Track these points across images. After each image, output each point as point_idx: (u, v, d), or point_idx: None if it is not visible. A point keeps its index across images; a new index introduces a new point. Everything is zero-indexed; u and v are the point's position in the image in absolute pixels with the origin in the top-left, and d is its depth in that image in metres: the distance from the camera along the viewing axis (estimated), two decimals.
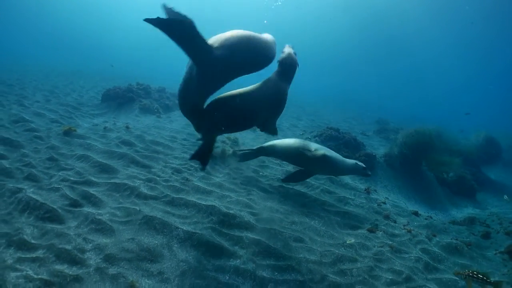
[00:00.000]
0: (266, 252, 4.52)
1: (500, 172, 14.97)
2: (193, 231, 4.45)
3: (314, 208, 6.47)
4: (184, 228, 4.45)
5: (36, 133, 7.56)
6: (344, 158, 6.63)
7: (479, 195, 11.35)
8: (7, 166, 5.52)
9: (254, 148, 7.08)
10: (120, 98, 12.31)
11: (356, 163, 6.60)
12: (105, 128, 8.89)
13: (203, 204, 5.25)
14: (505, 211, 10.46)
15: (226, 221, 4.97)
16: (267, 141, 7.34)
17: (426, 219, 8.13)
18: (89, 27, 67.26)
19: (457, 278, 5.30)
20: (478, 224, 8.32)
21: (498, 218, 9.27)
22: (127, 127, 9.10)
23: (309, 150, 6.19)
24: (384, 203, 8.33)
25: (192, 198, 5.46)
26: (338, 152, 10.48)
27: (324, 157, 6.19)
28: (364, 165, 6.60)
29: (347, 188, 8.37)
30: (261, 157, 8.50)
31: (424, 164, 11.11)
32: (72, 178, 5.40)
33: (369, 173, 6.71)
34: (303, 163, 6.47)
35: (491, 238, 7.49)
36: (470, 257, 6.36)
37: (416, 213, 8.21)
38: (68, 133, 7.81)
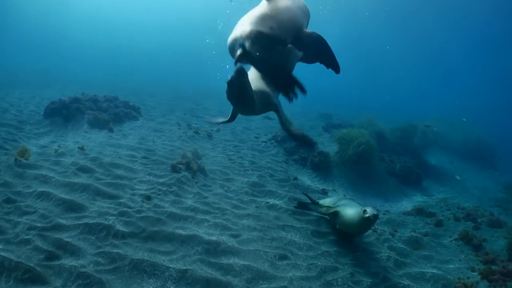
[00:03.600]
0: (258, 276, 4.62)
1: (439, 156, 16.17)
2: (184, 268, 4.41)
3: (287, 219, 6.65)
4: (175, 267, 4.40)
5: None
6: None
7: (424, 182, 12.25)
8: None
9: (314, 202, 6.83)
10: (66, 110, 11.51)
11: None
12: (56, 151, 8.34)
13: (184, 235, 5.20)
14: (450, 196, 11.44)
15: (212, 250, 4.97)
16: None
17: (384, 214, 8.69)
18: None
19: (423, 270, 5.79)
20: (429, 213, 9.01)
21: (445, 204, 10.13)
22: (81, 148, 8.64)
23: (370, 220, 5.97)
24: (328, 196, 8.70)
25: (171, 228, 5.38)
26: (294, 154, 10.86)
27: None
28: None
29: (309, 191, 8.65)
30: (226, 169, 8.54)
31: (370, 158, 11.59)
32: (39, 224, 5.06)
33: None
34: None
35: (444, 226, 8.20)
36: (430, 247, 6.95)
37: None
38: (19, 163, 7.26)
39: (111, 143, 9.34)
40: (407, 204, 10.39)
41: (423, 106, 31.76)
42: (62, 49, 44.56)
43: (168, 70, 38.71)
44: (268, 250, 5.30)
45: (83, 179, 6.94)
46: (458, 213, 8.96)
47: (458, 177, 13.77)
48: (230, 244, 5.18)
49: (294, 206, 7.16)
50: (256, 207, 6.92)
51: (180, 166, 7.75)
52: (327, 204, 6.80)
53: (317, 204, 7.11)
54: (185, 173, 7.57)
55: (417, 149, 14.70)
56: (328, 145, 12.44)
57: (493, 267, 5.96)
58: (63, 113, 11.51)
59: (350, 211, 6.11)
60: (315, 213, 6.95)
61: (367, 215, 5.70)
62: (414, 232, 7.51)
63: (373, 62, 52.46)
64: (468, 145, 17.29)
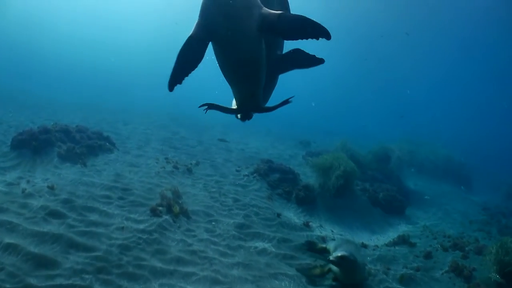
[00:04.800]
0: None
1: (416, 180, 16.28)
2: None
3: (278, 265, 6.25)
4: None
5: None
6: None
7: (407, 209, 12.15)
8: None
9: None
10: (35, 142, 10.76)
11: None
12: (23, 192, 7.66)
13: None
14: (434, 223, 11.49)
15: None
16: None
17: (374, 249, 8.44)
18: None
19: None
20: (415, 244, 8.94)
21: (431, 232, 10.08)
22: (50, 188, 7.97)
23: (337, 263, 5.67)
24: (334, 240, 8.47)
25: (155, 286, 4.86)
26: (277, 188, 10.51)
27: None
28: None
29: (297, 230, 8.30)
30: (210, 210, 8.05)
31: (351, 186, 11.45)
32: (7, 286, 4.45)
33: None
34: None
35: (433, 257, 8.15)
36: (424, 283, 6.84)
37: (364, 246, 8.49)
38: None
39: (84, 181, 8.70)
40: (393, 235, 10.19)
41: (395, 129, 32.36)
42: (35, 68, 42.80)
43: (141, 91, 37.80)
44: None
45: (54, 226, 6.33)
46: (445, 242, 9.00)
47: (427, 197, 13.95)
48: None
49: (305, 249, 7.11)
50: (245, 253, 6.48)
51: (160, 208, 7.23)
52: (331, 249, 6.67)
53: (324, 249, 7.01)
54: (166, 217, 7.05)
55: (395, 174, 14.80)
56: (310, 176, 12.17)
57: None
58: (33, 145, 10.76)
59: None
60: (312, 257, 6.79)
61: (331, 258, 5.64)
62: (406, 268, 7.40)
63: (346, 86, 53.65)
64: (439, 165, 17.58)
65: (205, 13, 3.36)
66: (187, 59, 3.37)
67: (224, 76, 4.00)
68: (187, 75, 3.41)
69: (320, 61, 4.11)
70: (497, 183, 18.84)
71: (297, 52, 4.21)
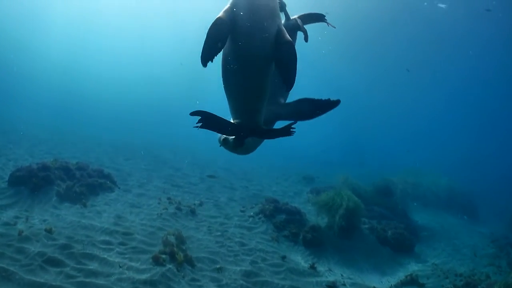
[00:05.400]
0: None
1: (421, 213, 15.93)
2: None
3: None
4: None
5: None
6: None
7: (416, 246, 11.79)
8: None
9: None
10: (35, 178, 10.45)
11: None
12: (20, 234, 7.32)
13: None
14: (444, 260, 11.14)
15: None
16: None
17: None
18: None
19: None
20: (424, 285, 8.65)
21: (442, 271, 9.79)
22: (48, 231, 7.63)
23: None
24: (345, 285, 8.15)
25: None
26: (283, 230, 10.21)
27: None
28: None
29: (306, 275, 7.92)
30: (216, 257, 7.67)
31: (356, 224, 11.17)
32: None
33: None
34: None
35: None
36: None
37: None
38: None
39: (83, 224, 8.36)
40: (403, 276, 9.83)
41: (398, 160, 32.22)
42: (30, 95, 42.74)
43: (143, 121, 37.74)
44: None
45: (51, 276, 5.99)
46: (457, 281, 8.77)
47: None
48: None
49: None
50: None
51: (164, 256, 6.86)
52: None
53: None
54: (170, 266, 6.68)
55: (400, 208, 14.48)
56: (316, 214, 11.83)
57: None
58: (32, 182, 10.44)
59: None
60: None
61: None
62: None
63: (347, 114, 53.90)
64: (441, 196, 17.31)
65: (235, 2, 3.55)
66: (214, 37, 3.45)
67: (227, 82, 3.74)
68: (216, 54, 3.43)
69: (335, 103, 3.87)
70: (503, 210, 18.45)
71: (304, 102, 3.95)
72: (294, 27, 4.34)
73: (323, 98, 3.97)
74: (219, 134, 3.91)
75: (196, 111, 3.51)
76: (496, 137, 47.39)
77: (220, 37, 3.45)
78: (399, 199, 15.14)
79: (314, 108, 3.97)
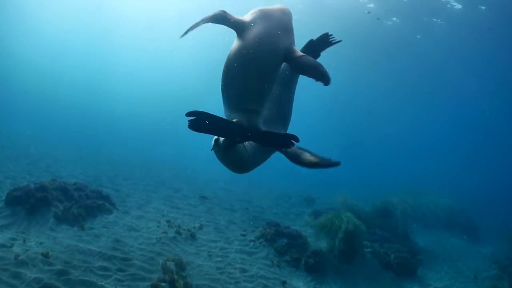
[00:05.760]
0: None
1: (422, 234, 15.72)
2: None
3: None
4: None
5: None
6: None
7: (418, 269, 11.60)
8: None
9: None
10: (32, 199, 10.24)
11: None
12: (16, 258, 7.14)
13: None
14: (447, 284, 11.03)
15: None
16: None
17: None
18: None
19: None
20: None
21: None
22: (45, 256, 7.45)
23: None
24: None
25: None
26: (285, 254, 10.03)
27: None
28: None
29: None
30: (216, 284, 7.48)
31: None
32: None
33: None
34: None
35: None
36: None
37: None
38: None
39: (81, 249, 8.17)
40: None
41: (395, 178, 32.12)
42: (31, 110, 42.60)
43: (143, 140, 37.65)
44: None
45: None
46: None
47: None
48: None
49: None
50: None
51: (163, 284, 6.68)
52: None
53: None
54: None
55: (401, 230, 14.27)
56: (317, 238, 11.65)
57: None
58: (30, 202, 10.24)
59: None
60: None
61: None
62: None
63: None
64: (441, 216, 17.05)
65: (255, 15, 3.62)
66: (207, 20, 3.59)
67: (226, 75, 3.52)
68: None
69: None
70: (504, 229, 18.21)
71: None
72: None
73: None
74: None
75: (192, 111, 3.22)
76: (495, 152, 47.54)
77: (210, 21, 3.57)
78: (399, 220, 14.96)
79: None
